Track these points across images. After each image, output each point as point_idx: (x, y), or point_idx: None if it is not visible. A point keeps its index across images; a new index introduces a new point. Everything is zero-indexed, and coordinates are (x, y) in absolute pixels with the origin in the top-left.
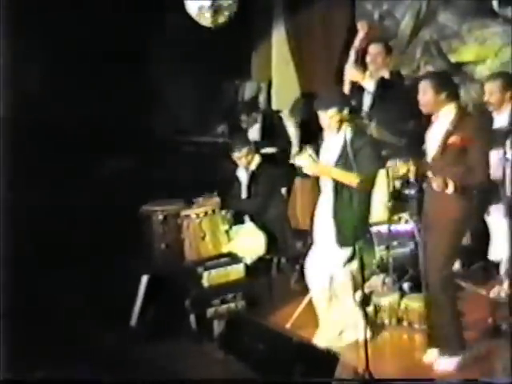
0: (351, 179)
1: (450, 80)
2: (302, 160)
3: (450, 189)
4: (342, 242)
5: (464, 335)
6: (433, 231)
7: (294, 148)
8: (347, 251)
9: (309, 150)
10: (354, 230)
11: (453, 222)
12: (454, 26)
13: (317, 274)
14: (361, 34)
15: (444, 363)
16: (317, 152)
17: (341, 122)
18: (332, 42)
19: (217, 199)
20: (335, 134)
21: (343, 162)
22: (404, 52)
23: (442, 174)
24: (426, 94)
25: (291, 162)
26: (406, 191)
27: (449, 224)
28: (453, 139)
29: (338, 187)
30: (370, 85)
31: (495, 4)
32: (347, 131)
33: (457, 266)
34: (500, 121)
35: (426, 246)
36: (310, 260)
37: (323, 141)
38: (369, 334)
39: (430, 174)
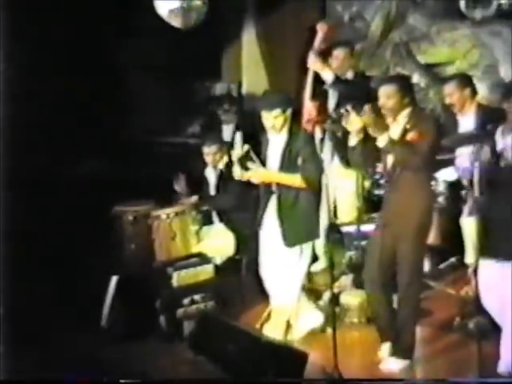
0: (295, 181)
1: (412, 84)
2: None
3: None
4: (289, 242)
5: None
6: (398, 226)
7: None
8: (296, 251)
9: (252, 155)
10: (300, 230)
11: (418, 221)
12: (424, 27)
13: (270, 274)
14: (320, 35)
15: (392, 363)
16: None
17: (284, 122)
18: (302, 43)
19: (195, 199)
20: (277, 135)
21: (287, 163)
22: (374, 53)
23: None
24: (390, 99)
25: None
26: (376, 191)
27: (414, 223)
28: (410, 136)
29: (283, 188)
30: (328, 76)
31: (463, 6)
32: (289, 131)
33: (426, 265)
34: (465, 124)
35: (387, 243)
36: (263, 261)
37: (267, 142)
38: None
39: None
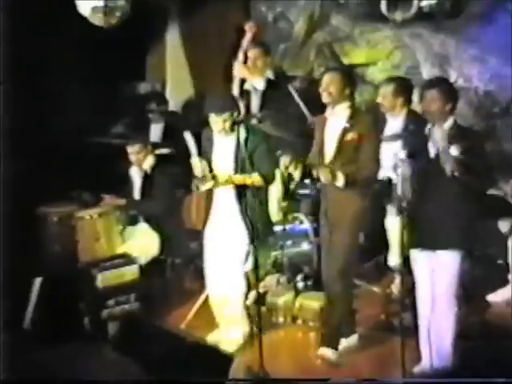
0: (254, 180)
1: (355, 79)
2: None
3: (340, 180)
4: (255, 239)
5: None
6: (333, 230)
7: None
8: (245, 251)
9: (203, 164)
10: (264, 227)
11: (351, 220)
12: (347, 28)
13: (217, 274)
14: (248, 36)
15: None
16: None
17: (233, 124)
18: (226, 44)
19: (121, 201)
20: (227, 137)
21: (240, 163)
22: (298, 54)
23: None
24: (333, 84)
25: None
26: (301, 191)
27: (347, 222)
28: (350, 136)
29: (242, 188)
30: (259, 83)
31: (384, 8)
32: (240, 132)
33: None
34: (393, 125)
35: (326, 244)
36: (210, 260)
37: (210, 144)
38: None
39: (316, 169)
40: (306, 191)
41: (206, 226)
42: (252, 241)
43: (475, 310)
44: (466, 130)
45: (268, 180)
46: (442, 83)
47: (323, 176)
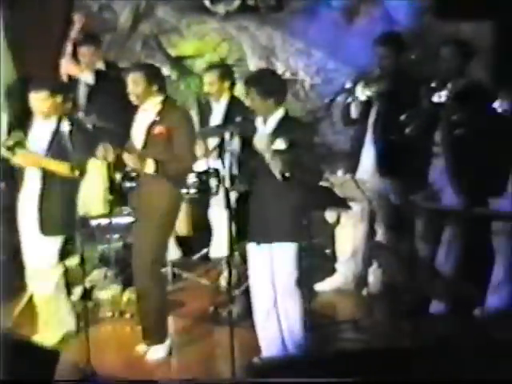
0: (63, 168)
1: (160, 73)
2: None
3: (150, 166)
4: (48, 231)
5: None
6: (143, 221)
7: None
8: (55, 243)
9: (18, 138)
10: (60, 219)
11: (162, 211)
12: (173, 20)
13: (35, 270)
14: (77, 26)
15: (154, 352)
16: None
17: (54, 108)
18: (51, 31)
19: None
20: (46, 121)
21: (55, 149)
22: (124, 45)
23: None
24: (138, 86)
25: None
26: (127, 184)
27: (158, 213)
28: (158, 129)
29: (47, 175)
30: (88, 77)
31: (207, 0)
32: (63, 122)
33: (178, 256)
34: (218, 109)
35: (136, 237)
36: (27, 254)
37: (32, 126)
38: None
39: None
40: (134, 184)
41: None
42: (44, 231)
43: (303, 300)
44: (295, 122)
45: (78, 170)
46: (261, 78)
47: (131, 162)
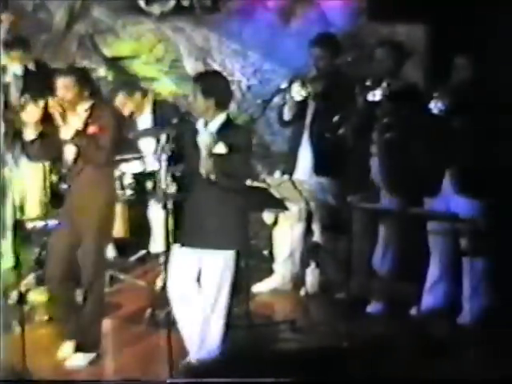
0: None
1: (91, 77)
2: None
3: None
4: None
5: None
6: (80, 225)
7: None
8: None
9: None
10: None
11: (98, 214)
12: (109, 21)
13: None
14: (5, 26)
15: (75, 358)
16: None
17: None
18: None
19: None
20: None
21: None
22: (59, 46)
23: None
24: (69, 91)
25: None
26: (64, 186)
27: (95, 216)
28: (91, 129)
29: None
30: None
31: (141, 1)
32: None
33: (113, 258)
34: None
35: (69, 239)
36: None
37: None
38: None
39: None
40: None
41: None
42: None
43: (241, 301)
44: (237, 128)
45: None
46: (207, 77)
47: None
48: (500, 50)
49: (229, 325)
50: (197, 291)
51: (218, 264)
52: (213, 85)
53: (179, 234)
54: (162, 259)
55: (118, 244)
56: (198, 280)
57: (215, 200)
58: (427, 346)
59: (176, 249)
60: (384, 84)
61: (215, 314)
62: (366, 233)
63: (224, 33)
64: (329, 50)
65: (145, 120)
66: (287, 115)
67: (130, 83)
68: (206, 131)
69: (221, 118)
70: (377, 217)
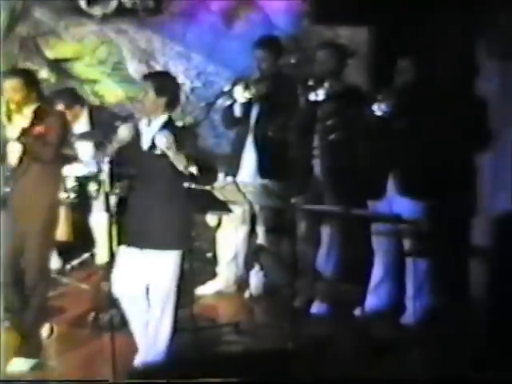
0: None
1: (37, 79)
2: None
3: None
4: None
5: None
6: (24, 223)
7: None
8: None
9: None
10: None
11: (41, 217)
12: (51, 22)
13: None
14: None
15: (16, 364)
16: None
17: None
18: None
19: None
20: None
21: None
22: (1, 48)
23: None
24: (17, 93)
25: None
26: (7, 189)
27: (38, 219)
28: (37, 129)
29: None
30: None
31: (83, 2)
32: None
33: (57, 262)
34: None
35: (14, 241)
36: None
37: None
38: None
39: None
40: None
41: None
42: None
43: (184, 304)
44: (178, 129)
45: None
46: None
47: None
48: (442, 51)
49: (175, 327)
50: (145, 292)
51: (167, 264)
52: (166, 84)
53: (124, 234)
54: (105, 262)
55: (61, 248)
56: (147, 280)
57: (159, 201)
58: (371, 347)
59: (122, 249)
60: (326, 84)
61: (165, 315)
62: (310, 234)
63: (167, 35)
64: (272, 52)
65: (81, 127)
66: (231, 118)
67: (69, 94)
68: (149, 130)
69: (163, 118)
70: (321, 218)
